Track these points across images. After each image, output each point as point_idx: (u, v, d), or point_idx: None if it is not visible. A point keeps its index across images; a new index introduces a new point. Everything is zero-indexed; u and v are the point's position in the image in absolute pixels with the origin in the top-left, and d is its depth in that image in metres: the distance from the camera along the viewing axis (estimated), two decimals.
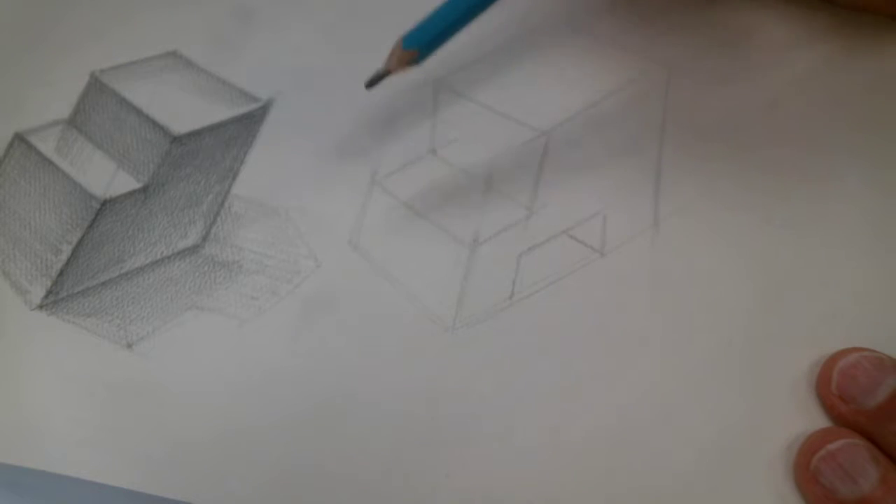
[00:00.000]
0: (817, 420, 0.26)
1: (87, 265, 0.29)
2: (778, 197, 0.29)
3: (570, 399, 0.27)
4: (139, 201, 0.30)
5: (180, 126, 0.31)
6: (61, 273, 0.29)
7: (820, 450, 0.24)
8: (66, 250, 0.29)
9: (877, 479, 0.23)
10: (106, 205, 0.30)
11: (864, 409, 0.24)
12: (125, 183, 0.30)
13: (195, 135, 0.31)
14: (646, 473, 0.26)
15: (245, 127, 0.31)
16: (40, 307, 0.29)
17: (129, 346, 0.28)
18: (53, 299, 0.29)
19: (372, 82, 0.28)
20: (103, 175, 0.30)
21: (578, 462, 0.26)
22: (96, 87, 0.32)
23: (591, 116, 0.31)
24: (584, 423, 0.26)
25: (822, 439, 0.24)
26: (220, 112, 0.32)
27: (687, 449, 0.26)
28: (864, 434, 0.24)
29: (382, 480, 0.26)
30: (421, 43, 0.27)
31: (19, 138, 0.31)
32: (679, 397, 0.26)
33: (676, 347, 0.27)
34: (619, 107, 0.31)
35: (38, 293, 0.29)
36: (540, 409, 0.27)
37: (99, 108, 0.32)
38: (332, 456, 0.26)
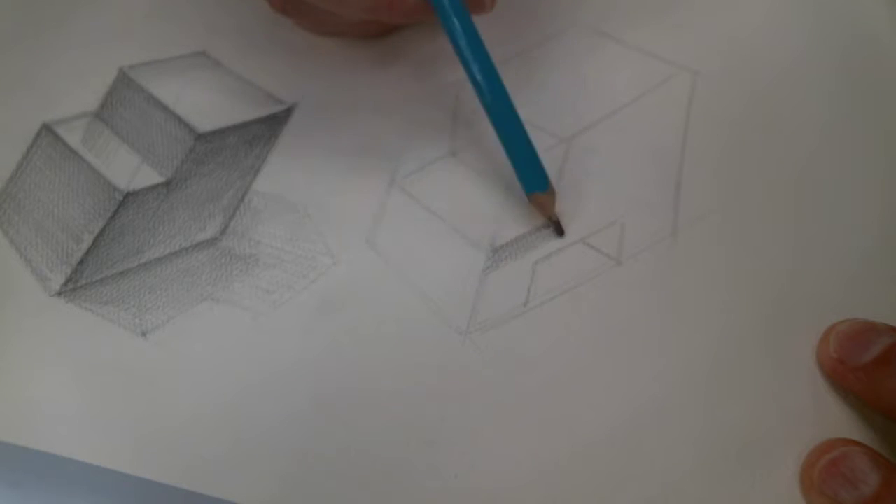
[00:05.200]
0: (831, 429, 0.26)
1: (107, 255, 0.29)
2: (799, 206, 0.29)
3: (582, 405, 0.26)
4: (161, 195, 0.30)
5: (205, 124, 0.31)
6: (81, 262, 0.29)
7: (820, 462, 0.25)
8: (88, 240, 0.29)
9: (877, 483, 0.23)
10: (128, 197, 0.30)
11: (861, 364, 0.25)
12: (148, 177, 0.31)
13: (219, 133, 0.31)
14: (656, 480, 0.25)
15: (269, 127, 0.32)
16: (59, 294, 0.29)
17: (144, 334, 0.28)
18: (72, 287, 0.29)
19: (559, 232, 0.29)
20: (127, 168, 0.31)
21: (588, 467, 0.26)
22: (124, 82, 0.33)
23: (612, 124, 0.31)
24: (594, 428, 0.26)
25: (821, 451, 0.25)
26: (244, 112, 0.32)
27: (699, 457, 0.26)
28: (862, 388, 0.25)
29: (391, 479, 0.26)
30: (536, 183, 0.29)
31: (46, 129, 0.32)
32: (691, 406, 0.26)
33: (692, 357, 0.27)
34: (640, 114, 0.31)
35: (57, 280, 0.29)
36: (551, 414, 0.26)
37: (126, 103, 0.32)
38: (340, 453, 0.26)
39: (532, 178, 0.29)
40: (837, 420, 0.26)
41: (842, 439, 0.25)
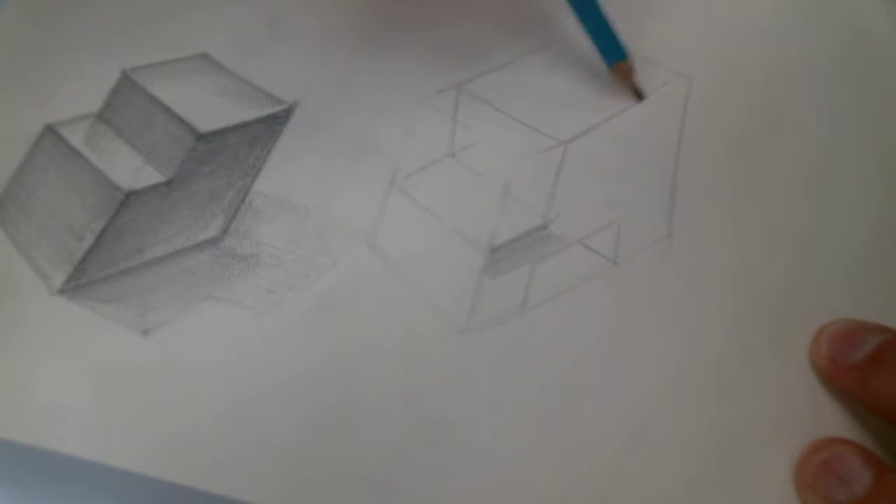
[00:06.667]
0: (825, 429, 0.26)
1: (109, 253, 0.30)
2: (793, 210, 0.30)
3: (579, 405, 0.27)
4: (163, 194, 0.31)
5: (206, 124, 0.31)
6: (83, 260, 0.29)
7: (813, 461, 0.25)
8: (89, 238, 0.30)
9: (870, 482, 0.24)
10: (130, 196, 0.30)
11: (853, 363, 0.25)
12: (150, 176, 0.31)
13: (220, 133, 0.31)
14: (652, 479, 0.26)
15: (269, 127, 0.32)
16: (61, 292, 0.29)
17: (146, 333, 0.28)
18: (74, 285, 0.29)
19: (639, 96, 0.32)
20: (129, 168, 0.31)
21: (586, 467, 0.26)
22: (127, 84, 0.33)
23: (609, 127, 0.31)
24: (593, 428, 0.26)
25: (814, 450, 0.25)
26: (245, 112, 0.32)
27: (693, 457, 0.26)
28: (854, 387, 0.26)
29: (389, 479, 0.26)
30: (616, 54, 0.32)
31: (50, 130, 0.32)
32: (688, 406, 0.27)
33: (687, 359, 0.27)
34: (637, 118, 0.32)
35: (59, 278, 0.29)
36: (549, 413, 0.27)
37: (128, 104, 0.32)
38: (339, 452, 0.26)
39: (612, 50, 0.31)
40: (832, 419, 0.26)
41: (835, 438, 0.25)
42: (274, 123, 0.32)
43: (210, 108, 0.32)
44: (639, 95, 0.32)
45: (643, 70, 0.32)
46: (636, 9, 0.34)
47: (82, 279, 0.29)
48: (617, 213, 0.30)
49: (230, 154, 0.31)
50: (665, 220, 0.29)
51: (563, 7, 0.31)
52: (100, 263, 0.29)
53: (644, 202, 0.30)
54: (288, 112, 0.32)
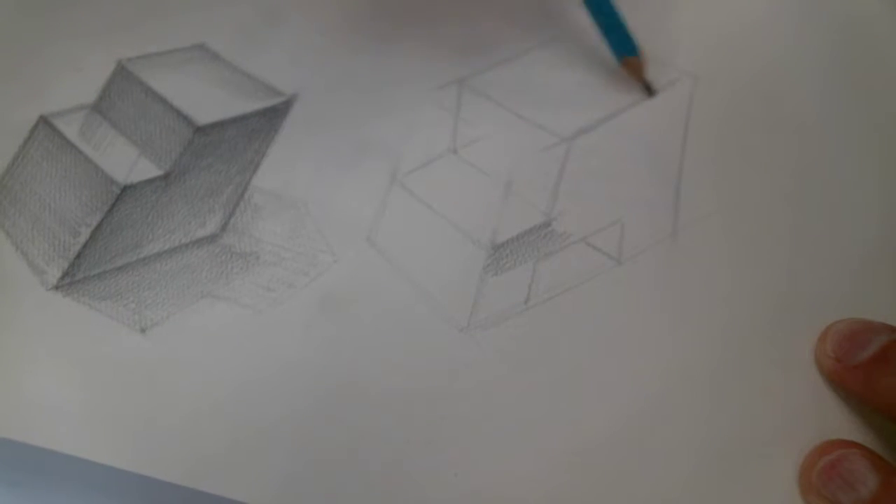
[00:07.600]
0: (830, 430, 0.26)
1: (105, 249, 0.29)
2: (798, 206, 0.30)
3: (582, 403, 0.27)
4: (160, 188, 0.30)
5: (204, 116, 0.31)
6: (79, 255, 0.29)
7: (819, 463, 0.25)
8: (85, 233, 0.29)
9: (876, 485, 0.23)
10: (126, 190, 0.30)
11: (858, 362, 0.25)
12: (146, 170, 0.30)
13: (218, 126, 0.31)
14: (654, 479, 0.26)
15: (268, 120, 0.32)
16: (56, 288, 0.29)
17: (143, 330, 0.28)
18: (69, 281, 0.29)
19: (649, 92, 0.32)
20: (125, 161, 0.30)
21: (587, 466, 0.26)
22: (122, 75, 0.32)
23: (613, 125, 0.31)
24: (595, 427, 0.26)
25: (820, 452, 0.25)
26: (243, 105, 0.32)
27: (695, 458, 0.26)
28: (860, 387, 0.25)
29: (391, 477, 0.26)
30: (626, 48, 0.32)
31: (44, 121, 0.31)
32: (691, 406, 0.26)
33: (691, 358, 0.27)
34: (641, 115, 0.31)
35: (54, 274, 0.29)
36: (551, 412, 0.26)
37: (124, 96, 0.32)
38: (340, 451, 0.26)
39: (622, 44, 0.31)
40: (837, 420, 0.26)
41: (840, 441, 0.25)
42: (273, 116, 0.32)
43: (208, 100, 0.32)
44: (649, 90, 0.32)
45: (649, 67, 0.32)
46: (642, 7, 0.34)
47: (78, 275, 0.29)
48: (620, 212, 0.29)
49: (228, 148, 0.31)
50: (669, 219, 0.29)
51: (569, 1, 0.31)
52: (96, 259, 0.29)
53: (648, 201, 0.30)
54: (287, 104, 0.32)
